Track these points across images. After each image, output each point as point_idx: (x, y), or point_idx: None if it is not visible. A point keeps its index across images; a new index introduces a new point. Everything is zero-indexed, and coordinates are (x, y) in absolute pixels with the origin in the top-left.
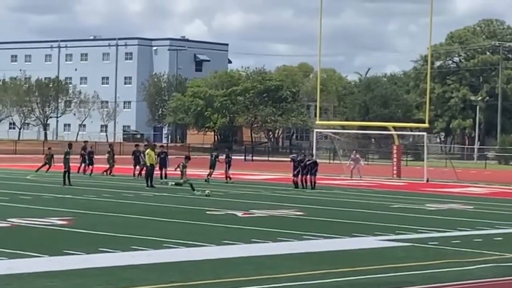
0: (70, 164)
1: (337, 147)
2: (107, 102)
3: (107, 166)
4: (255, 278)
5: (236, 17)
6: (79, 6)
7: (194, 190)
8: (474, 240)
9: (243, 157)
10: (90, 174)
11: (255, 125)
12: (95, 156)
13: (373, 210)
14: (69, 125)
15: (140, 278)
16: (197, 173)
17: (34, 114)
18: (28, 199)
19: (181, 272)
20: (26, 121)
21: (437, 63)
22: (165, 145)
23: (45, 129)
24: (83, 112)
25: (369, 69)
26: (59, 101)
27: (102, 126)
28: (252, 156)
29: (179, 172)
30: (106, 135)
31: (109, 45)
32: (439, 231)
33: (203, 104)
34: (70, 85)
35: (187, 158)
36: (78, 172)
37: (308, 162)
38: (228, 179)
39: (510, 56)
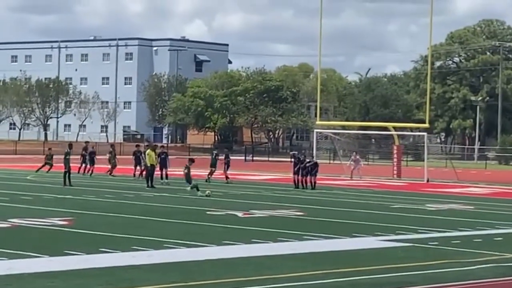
0: (71, 165)
1: (337, 148)
2: (107, 102)
3: (109, 166)
4: (256, 279)
5: (236, 17)
6: (79, 6)
7: (198, 190)
8: (474, 240)
9: (243, 158)
10: (91, 174)
11: (255, 126)
12: (96, 156)
13: (374, 211)
14: (69, 125)
15: (141, 279)
16: (198, 173)
17: (34, 115)
18: (29, 199)
19: (182, 273)
20: (27, 122)
21: (437, 63)
22: (165, 145)
23: (45, 130)
24: (83, 112)
25: (369, 69)
26: (59, 101)
27: (102, 126)
28: (253, 157)
29: (183, 174)
30: (107, 136)
31: (109, 46)
32: (439, 231)
33: (203, 105)
34: (71, 86)
35: (191, 160)
36: (78, 172)
37: (308, 164)
38: (226, 179)
39: (510, 56)
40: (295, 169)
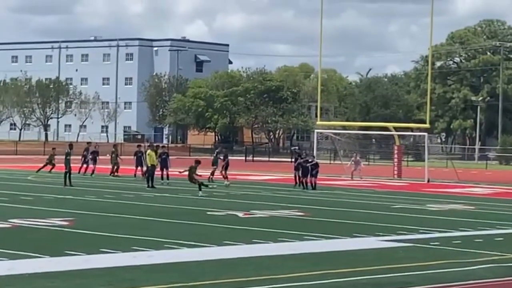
0: (71, 165)
1: (338, 148)
2: (107, 102)
3: (114, 166)
4: (256, 279)
5: (237, 17)
6: (79, 7)
7: (200, 190)
8: (475, 241)
9: (243, 158)
10: (91, 174)
11: (256, 126)
12: (99, 157)
13: (374, 211)
14: (69, 125)
15: (141, 279)
16: (198, 173)
17: (34, 115)
18: (29, 199)
19: (182, 273)
20: (27, 122)
21: (438, 64)
22: (166, 145)
23: (45, 130)
24: (83, 112)
25: (370, 69)
26: (60, 101)
27: (102, 126)
28: (253, 157)
29: (186, 174)
30: (107, 136)
31: (109, 46)
32: (440, 232)
33: (203, 105)
34: (71, 86)
35: (197, 162)
36: (79, 172)
37: (308, 164)
38: (226, 179)
39: (511, 56)
40: (296, 164)
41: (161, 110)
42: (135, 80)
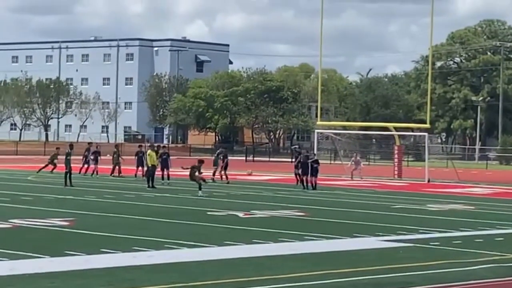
0: (72, 165)
1: (338, 148)
2: (108, 103)
3: (116, 167)
4: (256, 279)
5: (237, 17)
6: (80, 7)
7: (200, 190)
8: (475, 241)
9: (244, 158)
10: (92, 174)
11: (256, 126)
12: (100, 157)
13: (374, 211)
14: (70, 126)
15: (142, 279)
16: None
17: (35, 115)
18: (30, 200)
19: (183, 273)
20: (27, 122)
21: (438, 64)
22: (166, 146)
23: (46, 130)
24: (84, 113)
25: (370, 69)
26: (60, 102)
27: (103, 127)
28: (253, 157)
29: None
30: (107, 136)
31: (110, 46)
32: (440, 232)
33: (204, 105)
34: (71, 86)
35: (201, 161)
36: (79, 172)
37: (309, 160)
38: (225, 179)
39: (511, 56)
40: (296, 162)
41: (161, 110)
42: (135, 80)
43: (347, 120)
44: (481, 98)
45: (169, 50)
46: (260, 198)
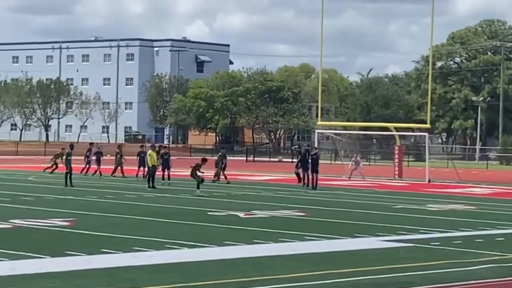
0: (72, 165)
1: (339, 148)
2: (108, 103)
3: (119, 167)
4: (257, 279)
5: (237, 18)
6: (80, 7)
7: (198, 189)
8: (475, 241)
9: (244, 158)
10: (93, 174)
11: (257, 126)
12: (103, 157)
13: (375, 211)
14: (70, 126)
15: (142, 279)
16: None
17: (35, 115)
18: (30, 200)
19: (183, 273)
20: (28, 122)
21: (439, 64)
22: (167, 146)
23: (46, 130)
24: (84, 113)
25: (370, 69)
26: (61, 102)
27: (103, 127)
28: (254, 157)
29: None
30: (108, 136)
31: (110, 46)
32: (440, 232)
33: (204, 105)
34: (72, 86)
35: (204, 160)
36: (81, 173)
37: (311, 154)
38: (225, 179)
39: (511, 56)
40: (297, 161)
41: (162, 110)
42: (135, 81)
43: (348, 120)
44: (481, 98)
45: (170, 50)
46: (260, 198)
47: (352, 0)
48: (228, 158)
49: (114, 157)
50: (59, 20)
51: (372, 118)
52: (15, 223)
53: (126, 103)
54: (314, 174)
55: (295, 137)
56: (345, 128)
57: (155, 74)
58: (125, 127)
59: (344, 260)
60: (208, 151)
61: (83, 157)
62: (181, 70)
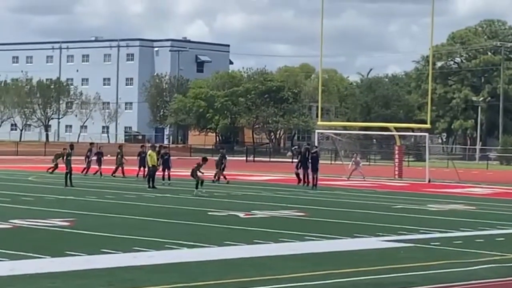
0: (72, 165)
1: (339, 148)
2: (108, 103)
3: (120, 168)
4: (257, 279)
5: (237, 18)
6: (80, 7)
7: (196, 188)
8: (476, 241)
9: (244, 158)
10: (94, 174)
11: (257, 126)
12: (103, 158)
13: (375, 211)
14: (70, 126)
15: (142, 279)
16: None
17: (35, 116)
18: (30, 200)
19: (183, 273)
20: (28, 123)
21: (439, 64)
22: (167, 146)
23: (46, 131)
24: (84, 113)
25: (370, 69)
26: (61, 102)
27: (103, 127)
28: (254, 157)
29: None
30: (108, 136)
31: (110, 46)
32: (441, 232)
33: (204, 105)
34: (72, 86)
35: (205, 159)
36: (81, 173)
37: (311, 152)
38: (224, 179)
39: (511, 56)
40: (297, 162)
41: (162, 110)
42: (135, 81)
43: (348, 120)
44: (481, 98)
45: (170, 50)
46: (260, 198)
47: (352, 0)
48: (228, 158)
49: (114, 157)
50: (59, 20)
51: (372, 118)
52: (15, 223)
53: (126, 103)
54: (314, 173)
55: (295, 137)
56: (345, 128)
57: (155, 74)
58: (125, 127)
59: (345, 260)
60: (208, 151)
61: (83, 157)
62: (181, 70)
